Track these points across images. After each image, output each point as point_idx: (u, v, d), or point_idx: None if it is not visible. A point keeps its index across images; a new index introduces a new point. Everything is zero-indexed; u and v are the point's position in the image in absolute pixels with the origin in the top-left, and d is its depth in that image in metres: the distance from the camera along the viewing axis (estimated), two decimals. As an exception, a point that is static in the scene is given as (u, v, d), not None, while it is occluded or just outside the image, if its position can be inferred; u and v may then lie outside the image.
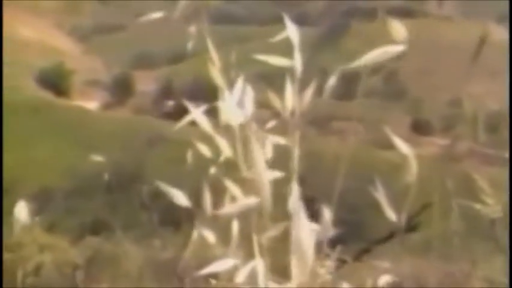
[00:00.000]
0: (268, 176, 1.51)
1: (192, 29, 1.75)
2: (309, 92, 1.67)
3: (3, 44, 54.77)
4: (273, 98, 1.66)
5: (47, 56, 57.05)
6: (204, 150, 1.68)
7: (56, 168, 34.34)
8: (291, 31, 1.69)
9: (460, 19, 67.93)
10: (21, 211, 1.81)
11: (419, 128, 50.04)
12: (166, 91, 51.35)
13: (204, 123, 1.67)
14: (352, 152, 1.85)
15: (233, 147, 1.64)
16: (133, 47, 67.28)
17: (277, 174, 1.61)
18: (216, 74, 1.69)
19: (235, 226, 1.63)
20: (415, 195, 1.57)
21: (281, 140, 1.66)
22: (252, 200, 1.53)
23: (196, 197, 1.71)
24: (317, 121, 34.73)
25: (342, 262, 1.72)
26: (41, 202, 24.62)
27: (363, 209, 26.17)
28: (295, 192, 1.50)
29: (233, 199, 1.60)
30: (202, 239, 1.66)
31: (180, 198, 1.66)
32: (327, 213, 1.55)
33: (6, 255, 9.70)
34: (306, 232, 1.41)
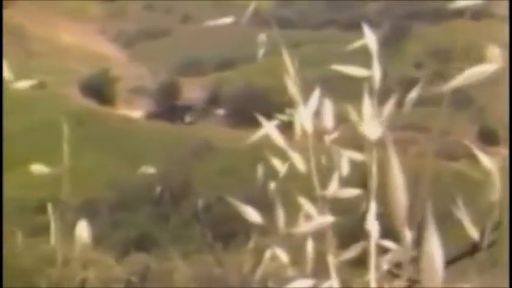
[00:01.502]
0: (345, 193, 1.50)
1: (262, 36, 1.75)
2: (390, 105, 1.63)
3: (46, 51, 55.72)
4: (351, 111, 1.62)
5: (91, 63, 57.89)
6: (277, 164, 1.67)
7: (100, 180, 34.72)
8: (369, 39, 1.66)
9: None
10: (83, 230, 1.82)
11: (486, 138, 49.36)
12: (215, 99, 51.56)
13: (277, 136, 1.65)
14: (423, 165, 1.79)
15: (307, 162, 1.61)
16: (179, 53, 67.76)
17: (355, 192, 1.58)
18: (290, 85, 1.67)
19: (309, 245, 1.61)
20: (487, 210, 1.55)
21: (358, 156, 1.62)
22: (327, 219, 1.52)
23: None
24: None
25: (412, 282, 1.68)
26: (84, 215, 24.90)
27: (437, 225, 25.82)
28: (372, 210, 1.48)
29: (308, 217, 1.57)
30: (274, 258, 1.65)
31: (252, 214, 1.65)
32: (408, 233, 1.50)
33: (50, 271, 9.84)
34: (436, 249, 1.37)
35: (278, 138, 1.65)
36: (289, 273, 1.63)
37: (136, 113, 49.26)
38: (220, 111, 48.24)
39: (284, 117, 1.72)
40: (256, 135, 1.70)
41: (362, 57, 1.74)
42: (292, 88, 1.67)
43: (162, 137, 40.72)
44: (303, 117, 1.65)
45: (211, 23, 1.85)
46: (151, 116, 48.75)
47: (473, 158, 1.63)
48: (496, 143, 48.20)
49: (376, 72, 1.64)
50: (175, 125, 45.20)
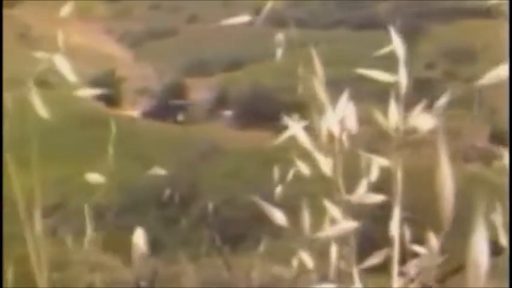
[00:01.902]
0: (370, 199, 1.50)
1: (280, 35, 1.75)
2: (418, 110, 1.62)
3: (52, 52, 55.71)
4: (378, 115, 1.61)
5: (97, 63, 58.02)
6: (303, 168, 1.66)
7: (106, 182, 34.74)
8: (397, 44, 1.66)
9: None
10: (140, 239, 1.81)
11: (499, 139, 49.24)
12: (222, 100, 51.62)
13: (304, 139, 1.64)
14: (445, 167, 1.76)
15: (334, 166, 1.60)
16: (186, 53, 67.83)
17: (380, 197, 1.57)
18: (319, 88, 1.66)
19: (333, 250, 1.61)
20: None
21: (384, 162, 1.61)
22: (352, 224, 1.51)
23: (257, 213, 1.71)
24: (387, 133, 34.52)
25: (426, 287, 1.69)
26: (90, 218, 24.92)
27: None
28: (396, 216, 1.48)
29: (332, 221, 1.56)
30: (301, 263, 1.64)
31: (279, 217, 1.65)
32: (433, 239, 1.50)
33: (55, 275, 9.87)
34: (484, 257, 1.36)
35: (305, 140, 1.64)
36: (312, 278, 1.63)
37: (135, 113, 49.49)
38: (228, 113, 48.26)
39: (289, 121, 1.71)
40: (282, 136, 1.68)
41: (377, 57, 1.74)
42: (320, 90, 1.67)
43: (169, 139, 40.80)
44: (331, 120, 1.64)
45: (226, 22, 1.84)
46: (146, 115, 49.08)
47: (487, 160, 1.62)
48: (506, 144, 47.94)
49: (402, 77, 1.63)
50: (182, 127, 45.26)
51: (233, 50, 65.73)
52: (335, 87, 1.75)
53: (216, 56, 65.94)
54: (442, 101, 1.63)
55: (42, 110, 1.84)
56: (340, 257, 1.60)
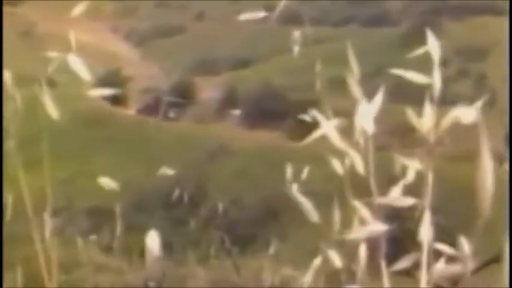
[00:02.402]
0: (401, 202, 1.50)
1: (296, 33, 1.75)
2: (452, 115, 1.61)
3: (57, 50, 55.84)
4: (411, 114, 1.59)
5: (103, 62, 58.09)
6: (337, 166, 1.64)
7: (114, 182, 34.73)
8: (432, 45, 1.66)
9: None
10: (153, 242, 1.80)
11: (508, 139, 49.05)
12: (231, 99, 51.63)
13: (335, 137, 1.62)
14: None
15: (366, 165, 1.59)
16: (193, 51, 67.85)
17: (411, 201, 1.56)
18: (353, 84, 1.65)
19: (362, 250, 1.60)
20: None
21: (416, 165, 1.60)
22: (382, 226, 1.51)
23: (270, 211, 1.71)
24: (399, 131, 34.46)
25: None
26: (97, 219, 24.97)
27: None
28: (426, 220, 1.48)
29: (362, 222, 1.56)
30: (328, 263, 1.63)
31: (312, 213, 1.64)
32: (466, 245, 1.49)
33: (61, 277, 9.88)
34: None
35: (337, 139, 1.63)
36: (342, 278, 1.63)
37: (131, 111, 49.70)
38: (236, 112, 48.26)
39: (307, 118, 1.71)
40: (313, 135, 1.67)
41: (388, 51, 1.74)
42: (354, 87, 1.65)
43: (176, 138, 40.83)
44: (365, 118, 1.62)
45: (243, 17, 1.84)
46: (140, 111, 49.41)
47: (501, 161, 1.62)
48: None
49: (436, 79, 1.63)
50: (189, 126, 45.24)
51: (241, 47, 65.72)
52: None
53: (224, 54, 65.92)
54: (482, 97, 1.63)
55: (52, 109, 1.85)
56: (369, 258, 1.60)
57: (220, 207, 26.40)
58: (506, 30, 48.52)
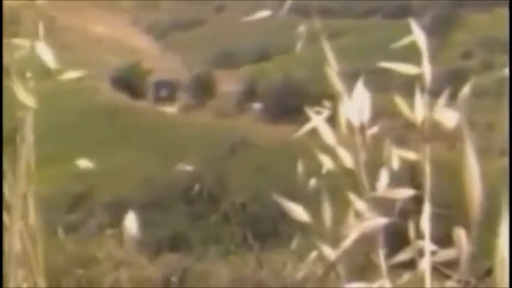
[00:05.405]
0: (398, 194, 1.50)
1: (301, 28, 1.74)
2: (442, 102, 1.60)
3: (77, 43, 56.12)
4: (402, 105, 1.59)
5: (123, 55, 58.30)
6: (326, 160, 1.64)
7: (131, 177, 34.95)
8: (417, 35, 1.65)
9: None
10: (131, 224, 1.78)
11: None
12: (251, 92, 51.59)
13: (326, 131, 1.62)
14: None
15: (355, 159, 1.59)
16: (214, 44, 67.90)
17: (409, 192, 1.56)
18: (333, 77, 1.64)
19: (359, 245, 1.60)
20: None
21: (411, 155, 1.59)
22: (379, 220, 1.51)
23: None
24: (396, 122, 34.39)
25: (465, 283, 1.66)
26: (114, 213, 25.03)
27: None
28: (426, 211, 1.48)
29: (357, 215, 1.56)
30: (322, 258, 1.63)
31: (300, 213, 1.64)
32: (463, 235, 1.49)
33: (80, 272, 9.94)
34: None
35: (327, 133, 1.62)
36: (338, 274, 1.62)
37: (169, 107, 49.60)
38: (257, 105, 48.22)
39: (321, 111, 1.70)
40: (303, 129, 1.67)
41: (408, 47, 1.72)
42: (336, 82, 1.65)
43: (196, 132, 40.87)
44: (350, 111, 1.62)
45: (251, 17, 1.83)
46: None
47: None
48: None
49: (426, 69, 1.61)
50: (209, 119, 45.26)
51: (262, 40, 65.68)
52: (367, 78, 1.73)
53: (244, 47, 65.94)
54: (465, 91, 1.60)
55: (27, 99, 1.84)
56: (367, 252, 1.59)
57: (241, 202, 26.44)
58: (507, 31, 48.30)
